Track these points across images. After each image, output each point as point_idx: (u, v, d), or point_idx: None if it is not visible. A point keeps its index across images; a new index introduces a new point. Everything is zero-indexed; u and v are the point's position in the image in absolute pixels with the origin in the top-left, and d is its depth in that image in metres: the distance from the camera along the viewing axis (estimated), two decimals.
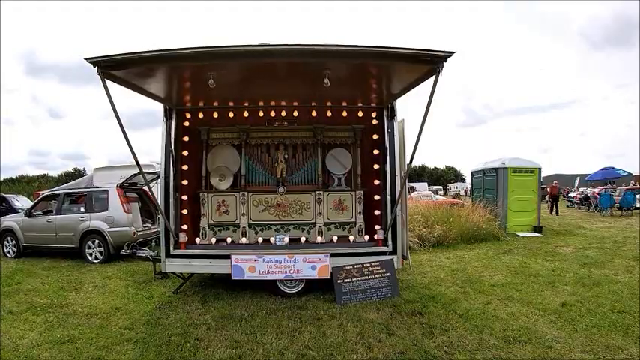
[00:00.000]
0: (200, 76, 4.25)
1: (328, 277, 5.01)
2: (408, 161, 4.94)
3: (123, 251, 6.65)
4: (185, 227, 5.55)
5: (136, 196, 9.07)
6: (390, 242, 5.26)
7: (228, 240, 5.72)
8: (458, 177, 61.21)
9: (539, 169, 11.86)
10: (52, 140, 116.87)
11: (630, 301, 4.75)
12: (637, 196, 16.31)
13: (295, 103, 5.81)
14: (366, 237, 5.69)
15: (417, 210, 10.15)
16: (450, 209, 10.75)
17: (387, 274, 5.09)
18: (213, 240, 5.74)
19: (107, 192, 8.36)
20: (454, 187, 44.67)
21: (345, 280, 5.01)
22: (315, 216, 5.81)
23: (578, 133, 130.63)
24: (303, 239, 5.69)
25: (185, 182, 5.69)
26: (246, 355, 3.57)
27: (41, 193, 13.12)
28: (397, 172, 5.29)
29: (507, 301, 4.89)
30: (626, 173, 22.31)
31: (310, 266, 5.01)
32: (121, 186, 8.45)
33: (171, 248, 5.26)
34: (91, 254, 8.05)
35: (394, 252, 5.24)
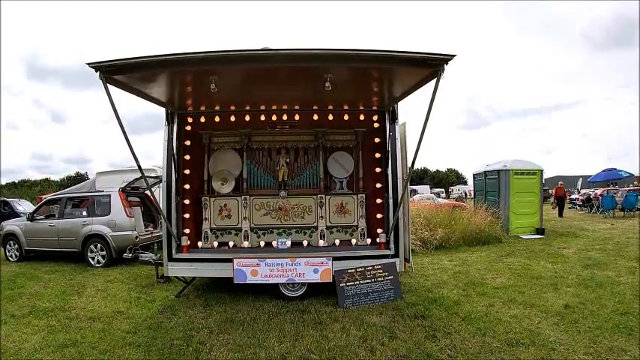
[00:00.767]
0: (202, 81, 4.26)
1: (330, 280, 5.01)
2: (409, 164, 4.95)
3: (125, 255, 6.65)
4: (187, 231, 5.56)
5: (138, 200, 9.10)
6: (392, 245, 5.25)
7: (231, 244, 5.73)
8: (460, 179, 61.12)
9: (541, 170, 11.84)
10: (55, 144, 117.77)
11: (633, 302, 4.73)
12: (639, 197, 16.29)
13: (297, 107, 5.82)
14: (369, 240, 5.69)
15: (419, 213, 10.16)
16: (452, 212, 10.76)
17: (390, 277, 5.08)
18: (216, 244, 5.75)
19: (109, 196, 8.37)
20: (456, 190, 44.48)
21: (348, 284, 5.00)
22: (317, 219, 5.81)
23: (580, 135, 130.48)
24: (305, 243, 5.70)
25: (187, 186, 5.70)
26: (249, 358, 3.56)
27: (43, 197, 13.15)
28: (399, 175, 5.28)
29: (510, 303, 4.88)
30: (628, 174, 22.29)
31: (313, 270, 5.01)
32: (123, 190, 8.46)
33: (173, 252, 5.26)
34: (93, 258, 8.06)
35: (396, 255, 5.23)
